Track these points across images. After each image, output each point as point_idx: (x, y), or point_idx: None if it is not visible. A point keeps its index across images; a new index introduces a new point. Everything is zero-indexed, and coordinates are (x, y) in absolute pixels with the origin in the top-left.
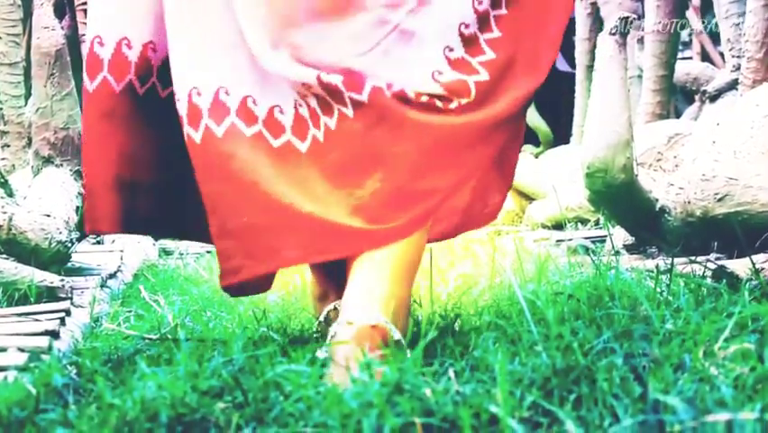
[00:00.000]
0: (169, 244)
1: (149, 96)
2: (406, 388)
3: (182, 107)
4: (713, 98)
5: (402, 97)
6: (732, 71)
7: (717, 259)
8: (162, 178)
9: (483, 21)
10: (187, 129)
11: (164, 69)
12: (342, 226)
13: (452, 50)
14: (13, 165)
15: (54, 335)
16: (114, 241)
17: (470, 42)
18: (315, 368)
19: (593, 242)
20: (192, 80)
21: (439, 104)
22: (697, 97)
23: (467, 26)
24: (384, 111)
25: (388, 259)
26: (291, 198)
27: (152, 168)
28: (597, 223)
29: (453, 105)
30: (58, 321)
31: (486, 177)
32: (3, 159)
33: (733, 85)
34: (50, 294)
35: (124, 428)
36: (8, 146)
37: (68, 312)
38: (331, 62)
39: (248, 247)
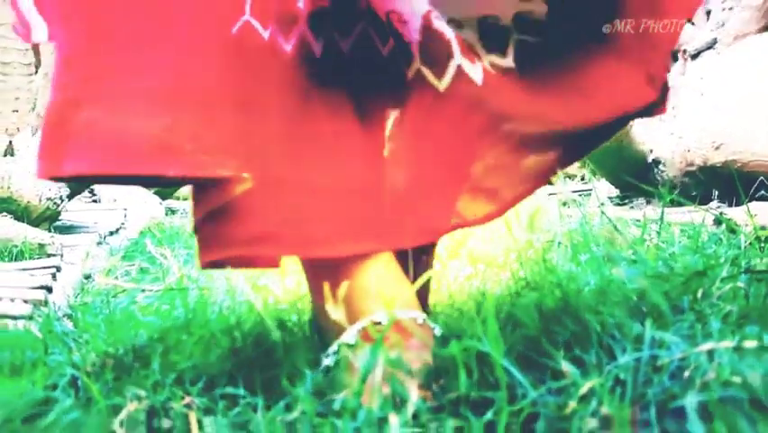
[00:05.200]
0: (174, 203)
1: None
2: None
3: None
4: (694, 57)
5: None
6: (711, 31)
7: (717, 207)
8: None
9: None
10: None
11: None
12: None
13: None
14: (18, 128)
15: (48, 289)
16: (115, 200)
17: None
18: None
19: (580, 195)
20: None
21: None
22: (679, 56)
23: None
24: None
25: None
26: None
27: None
28: (582, 178)
29: None
30: (50, 276)
31: None
32: (12, 122)
33: (711, 44)
34: (41, 251)
35: (122, 373)
36: (17, 111)
37: (58, 268)
38: None
39: None
